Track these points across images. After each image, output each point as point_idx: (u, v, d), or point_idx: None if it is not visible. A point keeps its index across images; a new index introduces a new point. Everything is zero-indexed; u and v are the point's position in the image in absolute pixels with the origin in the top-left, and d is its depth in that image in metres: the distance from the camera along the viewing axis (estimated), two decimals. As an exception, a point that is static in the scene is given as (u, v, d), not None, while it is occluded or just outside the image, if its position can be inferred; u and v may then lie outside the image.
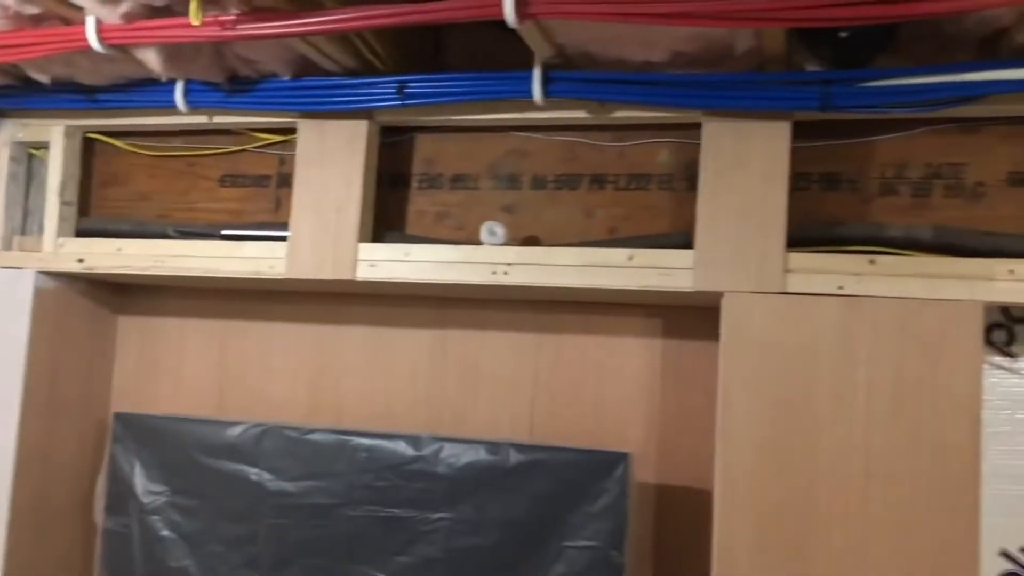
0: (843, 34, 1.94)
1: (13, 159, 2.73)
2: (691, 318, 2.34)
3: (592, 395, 2.42)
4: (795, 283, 2.02)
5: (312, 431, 2.43)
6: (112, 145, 2.71)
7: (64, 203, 2.65)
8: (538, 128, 2.34)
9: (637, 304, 2.38)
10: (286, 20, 1.99)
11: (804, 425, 1.97)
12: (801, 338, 1.99)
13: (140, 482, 2.55)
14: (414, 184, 2.47)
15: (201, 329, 2.78)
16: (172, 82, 2.39)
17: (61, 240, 2.62)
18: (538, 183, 2.37)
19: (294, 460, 2.42)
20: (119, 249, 2.54)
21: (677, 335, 2.38)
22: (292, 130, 2.44)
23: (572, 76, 2.12)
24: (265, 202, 2.59)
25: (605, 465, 2.18)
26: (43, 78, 2.47)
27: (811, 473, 1.96)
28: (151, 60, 2.24)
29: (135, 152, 2.70)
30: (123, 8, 2.07)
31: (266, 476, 2.43)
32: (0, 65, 2.38)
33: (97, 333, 2.80)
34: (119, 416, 2.63)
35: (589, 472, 2.19)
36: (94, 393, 2.78)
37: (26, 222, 2.78)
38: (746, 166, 2.06)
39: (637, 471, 2.22)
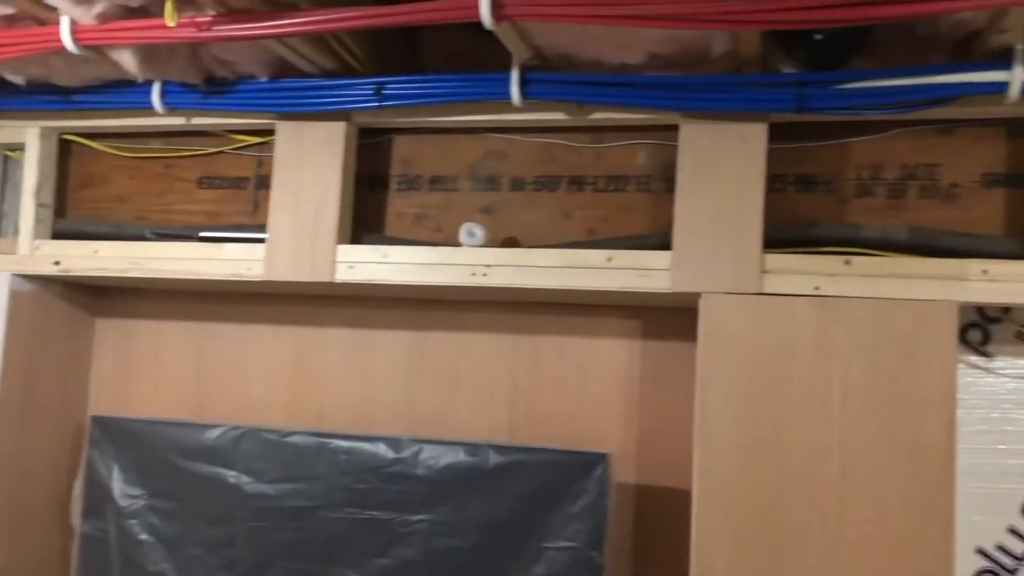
0: (818, 36, 1.96)
1: (-12, 161, 2.71)
2: (670, 319, 2.35)
3: (571, 396, 2.43)
4: (772, 284, 2.03)
5: (291, 433, 2.42)
6: (88, 147, 2.69)
7: (40, 205, 2.62)
8: (516, 130, 2.35)
9: (616, 305, 2.39)
10: (261, 22, 1.99)
11: (781, 424, 1.98)
12: (778, 338, 2.00)
13: (118, 486, 2.53)
14: (392, 186, 2.47)
15: (179, 331, 2.76)
16: (149, 83, 2.38)
17: (37, 242, 2.59)
18: (517, 185, 2.38)
19: (273, 463, 2.41)
20: (96, 251, 2.52)
21: (656, 336, 2.39)
22: (270, 132, 2.43)
23: (550, 78, 2.13)
24: (243, 204, 2.58)
25: (584, 466, 2.19)
26: (18, 79, 2.45)
27: (788, 472, 1.97)
28: (127, 61, 2.22)
29: (112, 154, 2.68)
30: (97, 9, 2.05)
31: (245, 479, 2.42)
32: (-26, 66, 2.36)
33: (74, 336, 2.78)
34: (96, 419, 2.61)
35: (568, 473, 2.19)
36: (71, 396, 2.76)
37: (1, 224, 2.76)
38: (723, 167, 2.07)
39: (616, 471, 2.23)
